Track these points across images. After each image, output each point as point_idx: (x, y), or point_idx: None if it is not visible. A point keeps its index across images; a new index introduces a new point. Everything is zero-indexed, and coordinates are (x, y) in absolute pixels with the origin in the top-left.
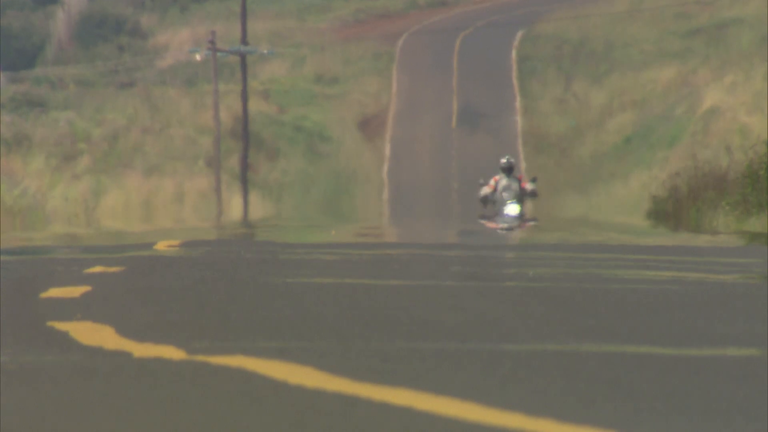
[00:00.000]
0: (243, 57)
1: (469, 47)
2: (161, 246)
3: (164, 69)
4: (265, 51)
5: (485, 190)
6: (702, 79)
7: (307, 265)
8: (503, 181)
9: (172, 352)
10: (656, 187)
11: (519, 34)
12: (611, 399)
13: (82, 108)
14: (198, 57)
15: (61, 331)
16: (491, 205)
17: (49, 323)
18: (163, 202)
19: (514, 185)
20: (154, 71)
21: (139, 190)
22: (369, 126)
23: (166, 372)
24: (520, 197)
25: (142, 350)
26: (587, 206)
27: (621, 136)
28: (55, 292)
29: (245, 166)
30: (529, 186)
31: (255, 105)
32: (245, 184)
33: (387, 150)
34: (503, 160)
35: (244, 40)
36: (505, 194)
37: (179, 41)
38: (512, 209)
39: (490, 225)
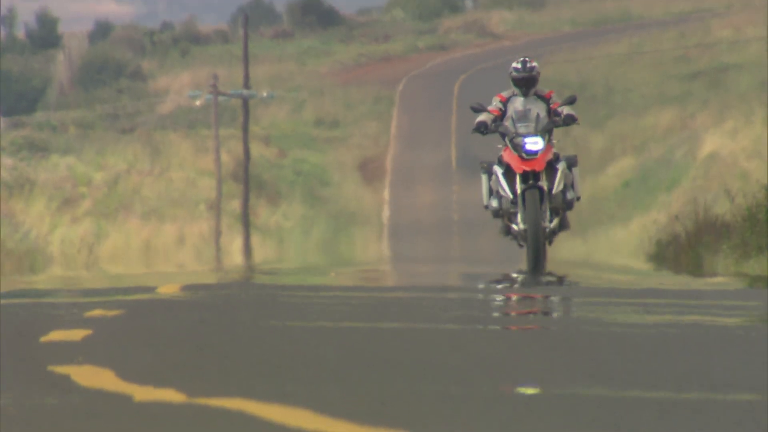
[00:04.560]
0: (245, 101)
1: (468, 90)
2: (164, 290)
3: (165, 113)
4: (265, 94)
5: (484, 117)
6: (702, 124)
7: (307, 308)
8: (517, 102)
9: (173, 395)
10: (657, 231)
11: None
12: None
13: (82, 152)
14: (198, 102)
15: (62, 374)
16: (498, 201)
17: (50, 366)
18: (163, 246)
19: (537, 108)
20: (154, 115)
21: (139, 233)
22: (369, 169)
23: (167, 414)
24: (547, 127)
25: (142, 393)
26: (587, 249)
27: (620, 180)
28: (55, 336)
29: (246, 209)
30: (564, 108)
31: (255, 149)
32: (246, 227)
33: (386, 193)
34: (516, 65)
35: (246, 84)
36: (520, 125)
37: (180, 85)
38: (533, 144)
39: (508, 292)
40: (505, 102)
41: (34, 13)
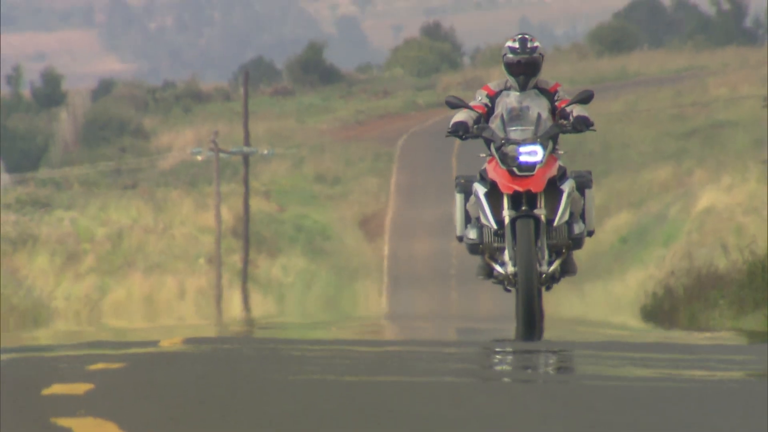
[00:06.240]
0: (246, 158)
1: (467, 147)
2: (166, 343)
3: (166, 169)
4: (266, 152)
5: (464, 116)
6: (697, 180)
7: (308, 362)
8: (510, 96)
9: None
10: (653, 286)
11: None
12: None
13: (86, 208)
14: (200, 158)
15: (64, 427)
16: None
17: (52, 419)
18: (165, 300)
19: (538, 106)
20: (156, 172)
21: (141, 288)
22: (369, 225)
23: None
24: (551, 133)
25: None
26: (583, 305)
27: (617, 236)
28: (57, 389)
29: (246, 264)
30: (575, 108)
31: (256, 204)
32: (245, 282)
33: (386, 248)
34: (512, 44)
35: (246, 142)
36: (512, 128)
37: (182, 142)
38: (530, 154)
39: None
40: (494, 97)
41: (39, 73)
